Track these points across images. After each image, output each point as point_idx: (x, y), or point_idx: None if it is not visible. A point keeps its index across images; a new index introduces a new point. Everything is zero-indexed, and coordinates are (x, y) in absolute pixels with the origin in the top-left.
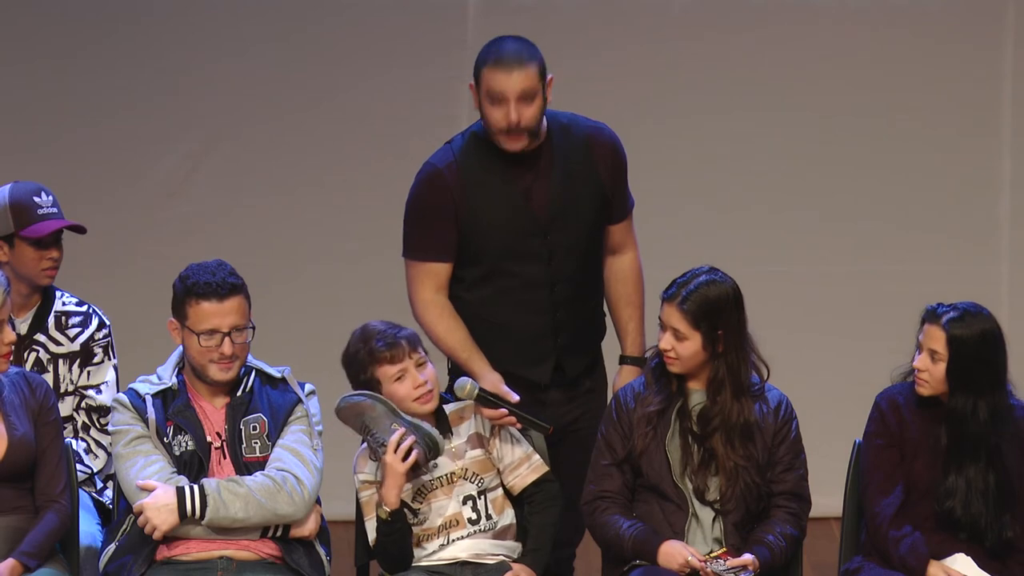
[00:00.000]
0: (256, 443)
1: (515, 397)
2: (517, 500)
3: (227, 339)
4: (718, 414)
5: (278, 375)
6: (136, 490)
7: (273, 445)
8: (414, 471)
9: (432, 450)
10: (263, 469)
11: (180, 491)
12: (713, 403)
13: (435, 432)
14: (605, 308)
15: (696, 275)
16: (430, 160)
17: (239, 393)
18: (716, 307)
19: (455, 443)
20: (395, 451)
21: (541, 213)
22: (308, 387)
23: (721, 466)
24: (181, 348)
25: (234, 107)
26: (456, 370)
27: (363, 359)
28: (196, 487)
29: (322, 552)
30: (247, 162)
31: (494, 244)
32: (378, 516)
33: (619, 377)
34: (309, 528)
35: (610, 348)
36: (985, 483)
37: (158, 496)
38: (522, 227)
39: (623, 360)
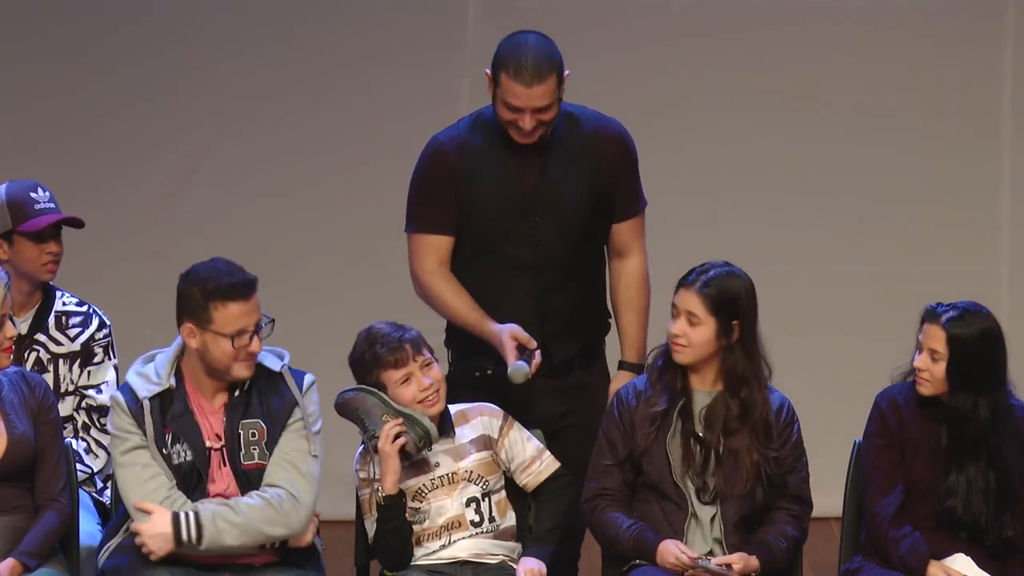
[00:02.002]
0: (255, 450)
1: (535, 343)
2: (529, 497)
3: (255, 337)
4: (744, 410)
5: (277, 369)
6: (133, 508)
7: (271, 453)
8: (407, 458)
9: (423, 438)
10: (262, 476)
11: (176, 519)
12: (734, 397)
13: (426, 421)
14: (609, 306)
15: (714, 265)
16: (436, 136)
17: (237, 393)
18: (735, 296)
19: (457, 443)
20: (385, 441)
21: (531, 195)
22: (308, 379)
23: (743, 461)
24: (179, 343)
25: (234, 107)
26: (455, 369)
27: (368, 363)
28: (192, 515)
29: (316, 540)
30: (247, 162)
31: (485, 223)
32: (375, 502)
33: (615, 382)
34: (305, 540)
35: (614, 349)
36: (986, 482)
37: (155, 523)
38: (512, 208)
39: (621, 365)
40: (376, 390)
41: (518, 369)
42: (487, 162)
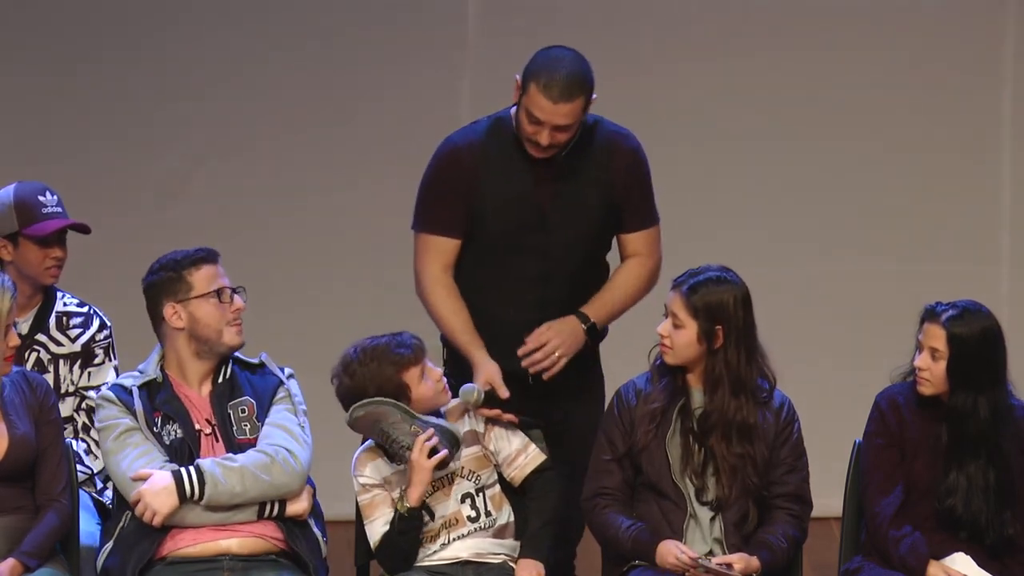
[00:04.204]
0: (246, 425)
1: (506, 393)
2: (518, 492)
3: (236, 295)
4: (715, 410)
5: (256, 361)
6: (130, 482)
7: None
8: (440, 468)
9: (454, 445)
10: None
11: (177, 474)
12: (711, 400)
13: (451, 426)
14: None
15: (709, 269)
16: (451, 137)
17: (220, 380)
18: (719, 301)
19: None
20: (420, 451)
21: (544, 208)
22: (287, 370)
23: (720, 465)
24: (159, 347)
25: (234, 108)
26: (451, 366)
27: (387, 372)
28: (192, 468)
29: (317, 533)
30: (247, 163)
31: (495, 231)
32: (396, 511)
33: (561, 322)
34: (303, 506)
35: (608, 351)
36: (985, 480)
37: (155, 481)
38: (524, 219)
39: (577, 313)
40: (397, 402)
41: (468, 391)
42: (502, 171)
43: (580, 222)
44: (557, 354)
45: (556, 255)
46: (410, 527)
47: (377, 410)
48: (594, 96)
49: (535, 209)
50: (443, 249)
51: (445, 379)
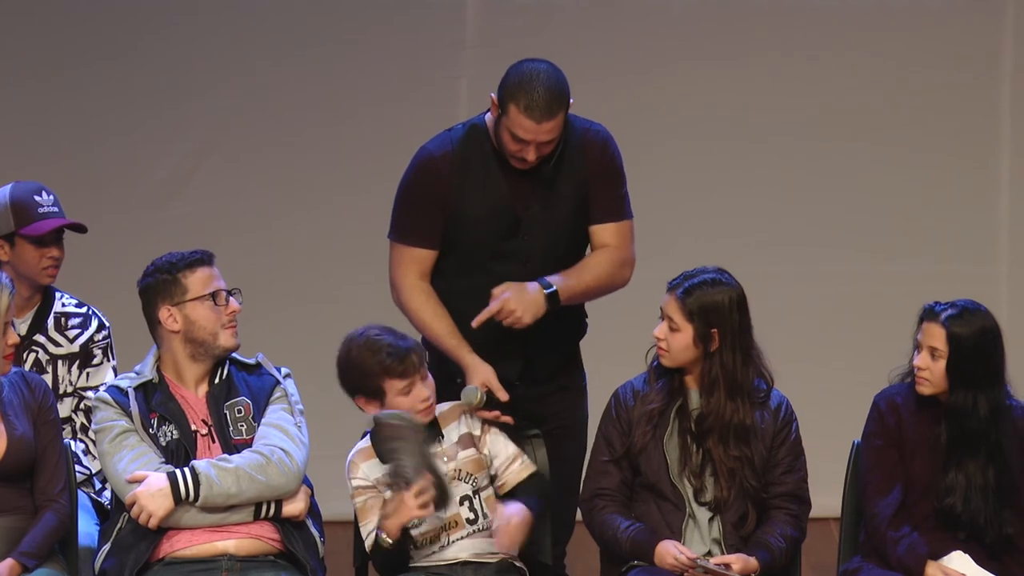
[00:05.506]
0: (243, 426)
1: (506, 396)
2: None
3: (232, 297)
4: (712, 413)
5: (252, 362)
6: (126, 484)
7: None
8: (418, 523)
9: (443, 504)
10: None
11: (172, 476)
12: (707, 402)
13: (451, 488)
14: (586, 308)
15: (704, 271)
16: (427, 146)
17: (216, 381)
18: (714, 304)
19: (446, 446)
20: (415, 495)
21: (521, 213)
22: (284, 370)
23: (718, 467)
24: (155, 348)
25: (234, 107)
26: (438, 371)
27: (371, 369)
28: (187, 469)
29: (315, 533)
30: (247, 162)
31: (474, 239)
32: (379, 544)
33: (519, 290)
34: (299, 507)
35: (590, 348)
36: (984, 479)
37: (150, 484)
38: (502, 226)
39: (540, 279)
40: (419, 427)
41: (470, 393)
42: (479, 179)
43: (558, 224)
44: (517, 314)
45: (536, 259)
46: (394, 553)
47: (402, 427)
48: (571, 100)
49: (513, 215)
50: (419, 259)
51: (432, 404)
